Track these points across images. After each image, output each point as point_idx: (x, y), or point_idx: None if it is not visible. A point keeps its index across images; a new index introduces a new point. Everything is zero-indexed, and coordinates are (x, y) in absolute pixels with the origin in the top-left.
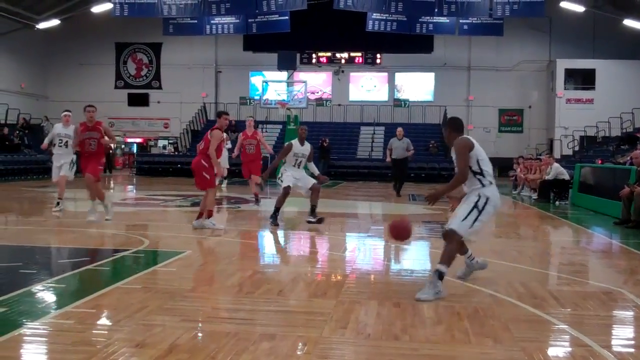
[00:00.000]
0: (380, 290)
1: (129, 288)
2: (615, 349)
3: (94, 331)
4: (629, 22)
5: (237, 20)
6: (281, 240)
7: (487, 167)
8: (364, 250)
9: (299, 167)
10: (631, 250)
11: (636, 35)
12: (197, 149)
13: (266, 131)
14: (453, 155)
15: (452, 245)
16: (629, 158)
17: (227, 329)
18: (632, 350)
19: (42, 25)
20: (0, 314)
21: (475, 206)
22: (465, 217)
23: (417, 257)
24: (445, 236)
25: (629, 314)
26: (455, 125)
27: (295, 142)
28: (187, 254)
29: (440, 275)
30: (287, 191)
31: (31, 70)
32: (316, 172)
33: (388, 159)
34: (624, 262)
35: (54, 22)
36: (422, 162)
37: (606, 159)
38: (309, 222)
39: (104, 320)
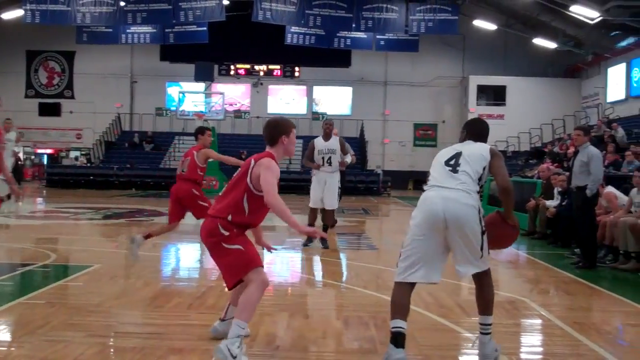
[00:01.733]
0: (292, 302)
1: (32, 303)
2: (519, 356)
3: None
4: (538, 41)
5: (154, 30)
6: (195, 253)
7: (433, 172)
8: (278, 263)
9: (330, 164)
10: (536, 261)
11: (545, 53)
12: (178, 174)
13: (183, 143)
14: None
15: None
16: (536, 172)
17: (134, 344)
18: (534, 357)
19: None
20: None
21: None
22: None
23: (330, 269)
24: None
25: (532, 322)
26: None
27: (318, 139)
28: (96, 268)
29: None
30: (314, 214)
31: None
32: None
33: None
34: (530, 272)
35: None
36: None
37: (515, 173)
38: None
39: (3, 337)
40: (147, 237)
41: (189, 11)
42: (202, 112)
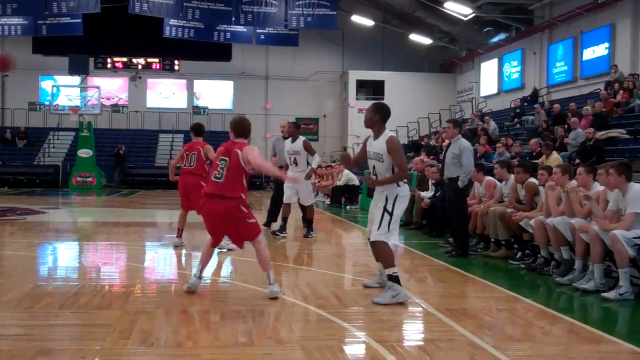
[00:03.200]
0: (169, 299)
1: None
2: (394, 343)
3: None
4: (414, 37)
5: (26, 22)
6: (72, 251)
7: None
8: (157, 260)
9: (296, 165)
10: (412, 250)
11: (421, 49)
12: (184, 168)
13: (58, 139)
14: (376, 149)
15: (382, 251)
16: (411, 165)
17: (1, 347)
18: (410, 343)
19: None
20: None
21: (385, 210)
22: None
23: (215, 264)
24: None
25: (410, 309)
26: (384, 115)
27: (281, 140)
28: None
29: (395, 279)
30: (288, 208)
31: None
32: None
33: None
34: (406, 262)
35: None
36: None
37: None
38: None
39: None
40: (180, 233)
41: (62, 3)
42: (77, 106)
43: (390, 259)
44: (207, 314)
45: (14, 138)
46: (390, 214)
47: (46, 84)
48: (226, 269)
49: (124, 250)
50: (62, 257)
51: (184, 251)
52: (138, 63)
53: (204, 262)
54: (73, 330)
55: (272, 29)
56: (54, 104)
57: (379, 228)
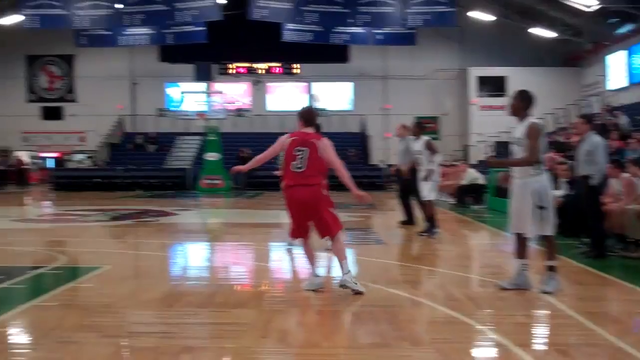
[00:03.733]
0: (302, 299)
1: (45, 306)
2: (530, 347)
3: (9, 351)
4: (536, 31)
5: (152, 31)
6: (204, 251)
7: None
8: (286, 260)
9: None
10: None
11: (543, 43)
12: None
13: (185, 143)
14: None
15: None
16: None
17: (147, 344)
18: (548, 348)
19: None
20: None
21: (539, 207)
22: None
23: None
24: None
25: (544, 312)
26: (529, 101)
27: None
28: (106, 269)
29: (554, 269)
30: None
31: None
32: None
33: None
34: (539, 263)
35: None
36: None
37: None
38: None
39: (19, 339)
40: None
41: (186, 11)
42: (203, 111)
43: (555, 251)
44: (341, 314)
45: (145, 143)
46: (545, 208)
47: (172, 91)
48: (354, 269)
49: (252, 251)
50: (196, 257)
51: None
52: (259, 68)
53: (312, 260)
54: (212, 329)
55: (389, 28)
56: (181, 109)
57: (540, 224)
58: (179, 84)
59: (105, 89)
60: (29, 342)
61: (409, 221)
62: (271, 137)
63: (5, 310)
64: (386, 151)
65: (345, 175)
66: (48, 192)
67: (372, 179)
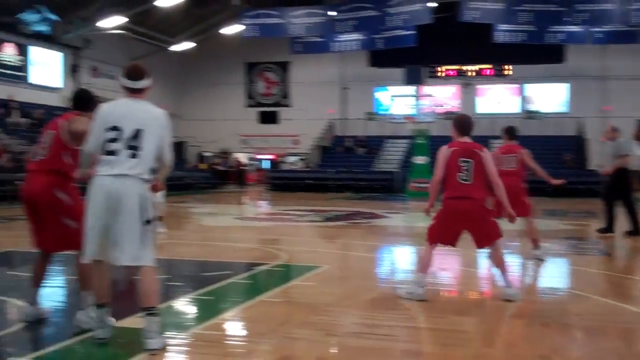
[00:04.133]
0: (524, 309)
1: (271, 301)
2: None
3: (239, 342)
4: None
5: (363, 37)
6: (416, 255)
7: None
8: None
9: None
10: None
11: None
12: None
13: (393, 146)
14: None
15: None
16: None
17: (369, 345)
18: None
19: (176, 48)
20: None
21: None
22: None
23: (559, 275)
24: None
25: None
26: None
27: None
28: (325, 269)
29: None
30: None
31: (167, 91)
32: None
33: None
34: None
35: (188, 44)
36: (557, 176)
37: None
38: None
39: (247, 332)
40: (536, 245)
41: (396, 16)
42: (412, 115)
43: None
44: (570, 329)
45: (354, 146)
46: None
47: (380, 95)
48: (580, 281)
49: (462, 256)
50: (408, 260)
51: (533, 262)
52: (469, 70)
53: (426, 269)
54: (435, 334)
55: (609, 26)
56: (390, 113)
57: None
58: (388, 87)
59: (317, 94)
60: (256, 335)
61: (634, 231)
62: (481, 140)
63: (235, 304)
64: (605, 156)
65: (502, 190)
66: (264, 192)
67: (589, 185)
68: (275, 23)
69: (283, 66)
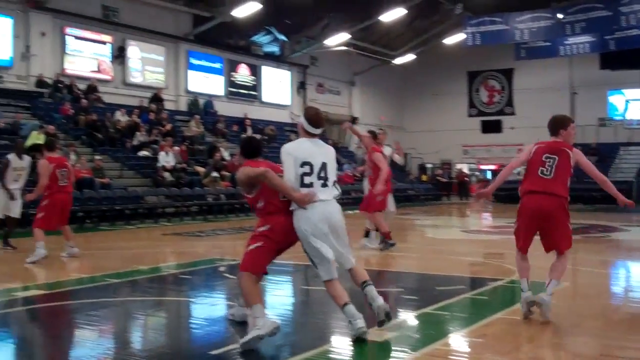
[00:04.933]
0: None
1: (510, 319)
2: None
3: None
4: None
5: (593, 39)
6: None
7: None
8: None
9: None
10: None
11: None
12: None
13: (629, 154)
14: None
15: None
16: None
17: None
18: None
19: (398, 61)
20: (394, 337)
21: None
22: None
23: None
24: None
25: None
26: None
27: None
28: (562, 286)
29: None
30: None
31: (389, 104)
32: None
33: None
34: None
35: (409, 56)
36: None
37: None
38: None
39: (493, 351)
40: None
41: (631, 15)
42: None
43: None
44: None
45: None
46: None
47: (615, 99)
48: None
49: None
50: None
51: None
52: None
53: (527, 273)
54: None
55: None
56: (625, 118)
57: None
58: (623, 91)
59: (543, 100)
60: (501, 354)
61: None
62: None
63: (472, 321)
64: None
65: (606, 181)
66: (488, 203)
67: None
68: (498, 30)
69: (506, 73)
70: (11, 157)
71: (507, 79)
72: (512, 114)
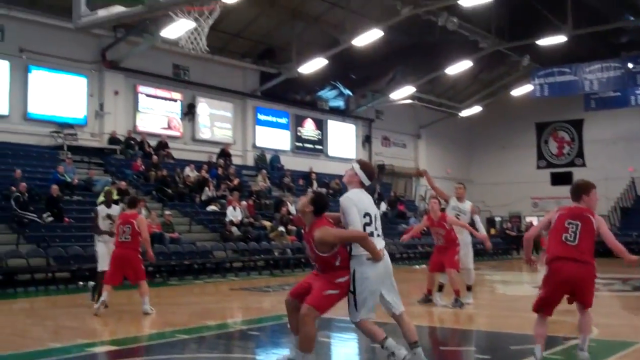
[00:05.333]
0: None
1: None
2: None
3: None
4: None
5: None
6: None
7: None
8: None
9: None
10: None
11: None
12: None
13: None
14: None
15: None
16: None
17: None
18: None
19: (465, 113)
20: None
21: None
22: None
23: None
24: None
25: None
26: None
27: None
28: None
29: None
30: None
31: (455, 156)
32: None
33: None
34: None
35: (476, 109)
36: None
37: None
38: None
39: None
40: None
41: None
42: None
43: None
44: None
45: None
46: None
47: None
48: None
49: None
50: None
51: None
52: None
53: (543, 339)
54: None
55: None
56: None
57: None
58: None
59: (615, 151)
60: None
61: None
62: None
63: None
64: None
65: (619, 246)
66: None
67: None
68: (567, 80)
69: (576, 124)
70: (100, 208)
71: (577, 130)
72: (583, 165)
